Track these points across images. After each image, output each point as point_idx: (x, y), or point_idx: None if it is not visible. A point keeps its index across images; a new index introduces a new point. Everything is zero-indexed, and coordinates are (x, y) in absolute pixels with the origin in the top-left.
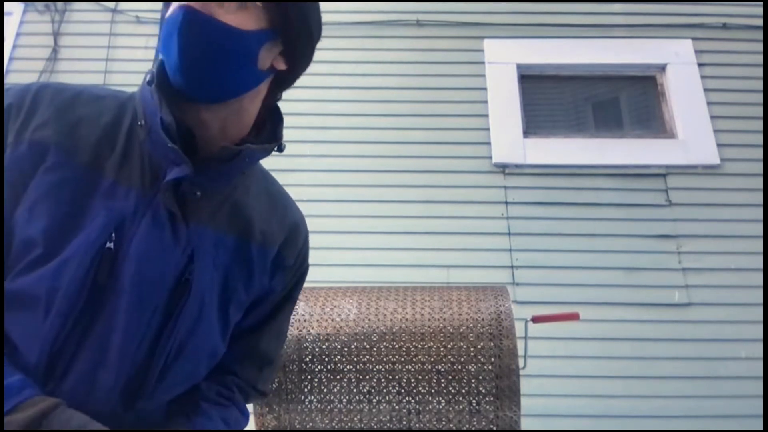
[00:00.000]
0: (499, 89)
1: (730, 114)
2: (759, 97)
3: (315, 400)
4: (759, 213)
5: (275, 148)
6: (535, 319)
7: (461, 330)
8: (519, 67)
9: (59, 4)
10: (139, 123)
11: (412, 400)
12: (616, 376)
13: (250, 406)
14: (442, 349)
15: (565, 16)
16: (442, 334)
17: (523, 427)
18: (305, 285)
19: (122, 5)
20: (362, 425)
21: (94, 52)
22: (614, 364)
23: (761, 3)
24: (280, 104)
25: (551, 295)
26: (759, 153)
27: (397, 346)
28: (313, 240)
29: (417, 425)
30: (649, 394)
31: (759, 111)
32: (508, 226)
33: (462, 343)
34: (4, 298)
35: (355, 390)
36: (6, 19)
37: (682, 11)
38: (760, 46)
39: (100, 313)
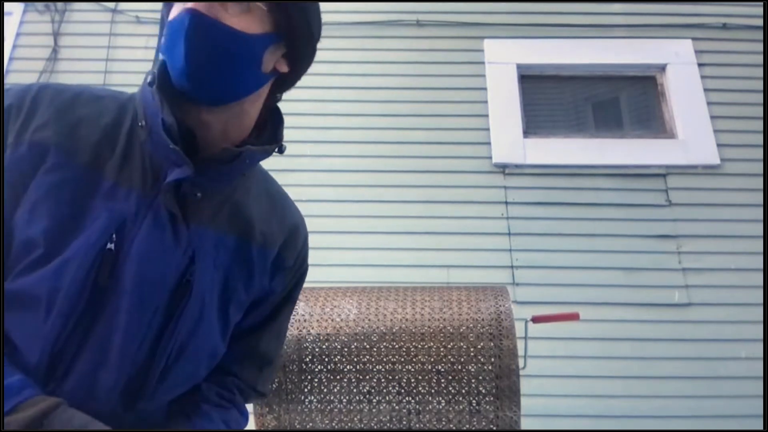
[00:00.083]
0: (499, 89)
1: (730, 114)
2: (759, 97)
3: (315, 400)
4: (759, 213)
5: (276, 150)
6: (535, 319)
7: (461, 330)
8: (519, 67)
9: (59, 4)
10: (139, 124)
11: (412, 400)
12: (616, 376)
13: (250, 407)
14: (442, 349)
15: (565, 16)
16: (442, 334)
17: (523, 427)
18: (305, 285)
19: (122, 5)
20: (362, 425)
21: (94, 52)
22: (614, 364)
23: (761, 3)
24: (281, 104)
25: (551, 295)
26: (759, 153)
27: (397, 346)
28: (313, 240)
29: (417, 425)
30: (649, 394)
31: (759, 111)
32: (508, 226)
33: (462, 343)
34: (5, 299)
35: (355, 390)
36: (6, 19)
37: (682, 11)
38: (760, 46)
39: (101, 314)
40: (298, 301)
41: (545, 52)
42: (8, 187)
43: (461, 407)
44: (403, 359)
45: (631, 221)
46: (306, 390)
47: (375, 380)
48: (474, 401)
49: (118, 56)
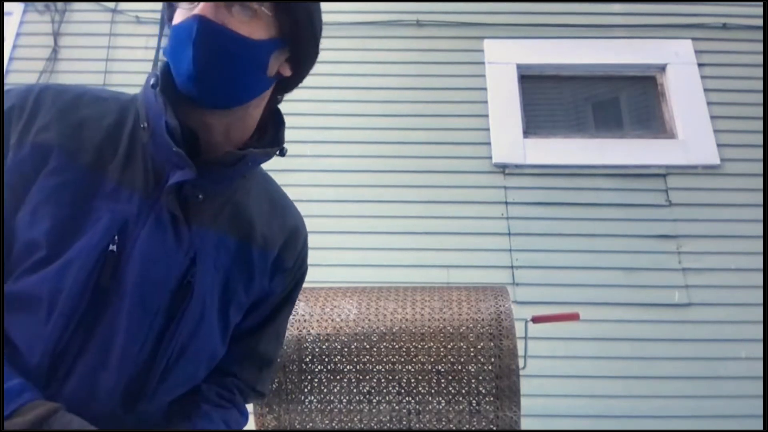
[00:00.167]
0: (499, 89)
1: (730, 114)
2: (759, 97)
3: (315, 400)
4: (759, 213)
5: (277, 153)
6: (535, 319)
7: (461, 330)
8: (519, 67)
9: (59, 4)
10: (141, 125)
11: (412, 401)
12: (616, 376)
13: (250, 407)
14: (442, 349)
15: (565, 16)
16: (442, 335)
17: (523, 427)
18: (305, 285)
19: (122, 5)
20: (362, 425)
21: (94, 52)
22: (614, 364)
23: (761, 3)
24: (281, 104)
25: (551, 295)
26: (759, 153)
27: (397, 346)
28: (314, 240)
29: (417, 425)
30: (649, 394)
31: (759, 111)
32: (508, 226)
33: (462, 344)
34: (6, 300)
35: (355, 390)
36: (6, 19)
37: (682, 11)
38: (760, 46)
39: (103, 315)
40: (298, 301)
41: (545, 52)
42: (10, 188)
43: (461, 407)
44: (403, 359)
45: (631, 221)
46: (306, 390)
47: (375, 380)
48: (474, 401)
49: (118, 56)
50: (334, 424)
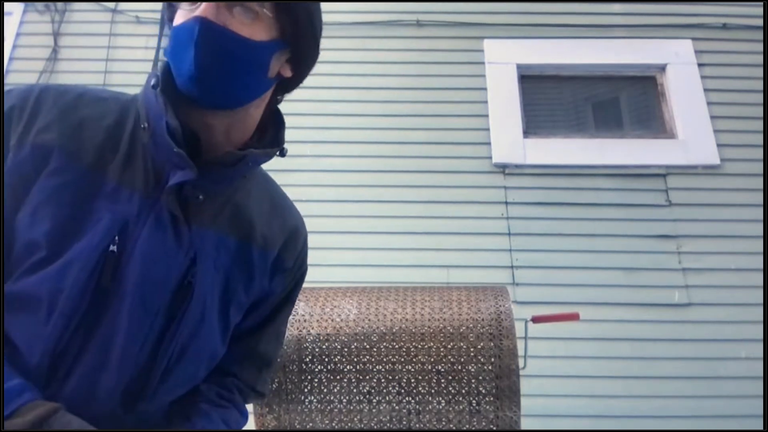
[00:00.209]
0: (499, 89)
1: (730, 114)
2: (759, 97)
3: (315, 400)
4: (759, 213)
5: (277, 153)
6: (535, 319)
7: (461, 330)
8: (519, 67)
9: (59, 4)
10: (142, 126)
11: (412, 401)
12: (616, 376)
13: (250, 407)
14: (442, 349)
15: (565, 16)
16: (442, 335)
17: (523, 427)
18: (305, 285)
19: (122, 5)
20: (362, 425)
21: (94, 52)
22: (614, 364)
23: (761, 3)
24: (281, 104)
25: (551, 295)
26: (759, 153)
27: (397, 346)
28: (314, 240)
29: (417, 425)
30: (649, 394)
31: (759, 111)
32: (508, 226)
33: (462, 344)
34: (6, 300)
35: (355, 390)
36: (6, 19)
37: (682, 11)
38: (760, 46)
39: (103, 315)
40: (298, 301)
41: (545, 52)
42: (10, 189)
43: (461, 407)
44: (403, 359)
45: (631, 221)
46: (306, 390)
47: (375, 380)
48: (474, 401)
49: (118, 56)
50: (334, 424)
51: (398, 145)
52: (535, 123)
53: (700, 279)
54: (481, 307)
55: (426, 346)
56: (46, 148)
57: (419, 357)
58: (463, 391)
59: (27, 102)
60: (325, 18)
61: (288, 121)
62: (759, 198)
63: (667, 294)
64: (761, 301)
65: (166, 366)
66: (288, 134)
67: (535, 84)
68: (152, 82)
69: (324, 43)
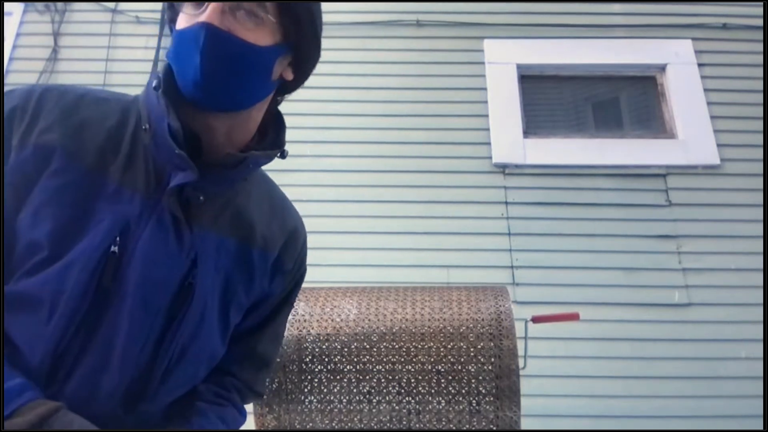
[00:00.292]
0: (499, 89)
1: (730, 114)
2: (759, 97)
3: (315, 400)
4: (759, 213)
5: (278, 155)
6: (535, 319)
7: (461, 330)
8: (519, 67)
9: (59, 4)
10: (143, 127)
11: (412, 400)
12: (616, 376)
13: (250, 407)
14: (442, 349)
15: (565, 16)
16: (442, 335)
17: (523, 427)
18: (305, 285)
19: (122, 5)
20: (362, 425)
21: (94, 52)
22: (614, 364)
23: (761, 3)
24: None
25: (551, 295)
26: (759, 153)
27: (397, 346)
28: (314, 240)
29: (417, 425)
30: (649, 394)
31: (759, 111)
32: (508, 226)
33: (462, 344)
34: (7, 300)
35: (355, 390)
36: (6, 19)
37: (682, 11)
38: (760, 46)
39: (104, 316)
40: (298, 301)
41: (545, 52)
42: (12, 189)
43: (461, 407)
44: (403, 359)
45: (631, 221)
46: (306, 390)
47: (375, 380)
48: (474, 401)
49: (118, 56)
50: (334, 424)
51: (398, 145)
52: (535, 123)
53: (700, 279)
54: (481, 307)
55: (426, 346)
56: (47, 149)
57: (419, 357)
58: (463, 391)
59: (29, 103)
60: (325, 18)
61: (288, 121)
62: (759, 198)
63: (667, 294)
64: (761, 301)
65: (166, 366)
66: (288, 134)
67: (535, 84)
68: (154, 83)
69: (324, 43)
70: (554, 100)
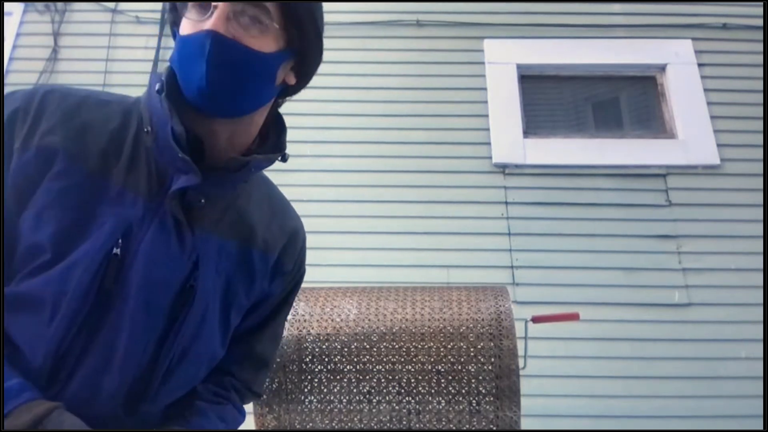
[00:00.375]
0: (499, 89)
1: (730, 114)
2: (759, 97)
3: (315, 400)
4: (759, 213)
5: (279, 158)
6: (535, 319)
7: (461, 330)
8: (519, 67)
9: (59, 4)
10: (145, 129)
11: (412, 400)
12: (616, 376)
13: (249, 407)
14: (442, 349)
15: (565, 16)
16: (442, 335)
17: (523, 427)
18: (305, 285)
19: (122, 5)
20: (362, 425)
21: (94, 52)
22: (614, 364)
23: (761, 3)
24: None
25: (551, 295)
26: (759, 153)
27: (397, 346)
28: (313, 240)
29: (417, 425)
30: (649, 394)
31: (759, 111)
32: (508, 226)
33: (462, 344)
34: (9, 301)
35: (355, 390)
36: (6, 19)
37: (682, 11)
38: (760, 46)
39: (106, 317)
40: (298, 301)
41: (545, 52)
42: (14, 191)
43: (461, 407)
44: (403, 359)
45: (631, 221)
46: (306, 390)
47: (375, 380)
48: (474, 401)
49: (118, 56)
50: (334, 424)
51: (398, 145)
52: (535, 123)
53: (700, 279)
54: (481, 307)
55: (426, 346)
56: (50, 151)
57: (419, 357)
58: (463, 391)
59: (31, 104)
60: (326, 18)
61: (288, 121)
62: (759, 198)
63: (667, 294)
64: (761, 301)
65: (167, 367)
66: (288, 134)
67: (535, 84)
68: (157, 87)
69: (324, 43)
70: (554, 100)
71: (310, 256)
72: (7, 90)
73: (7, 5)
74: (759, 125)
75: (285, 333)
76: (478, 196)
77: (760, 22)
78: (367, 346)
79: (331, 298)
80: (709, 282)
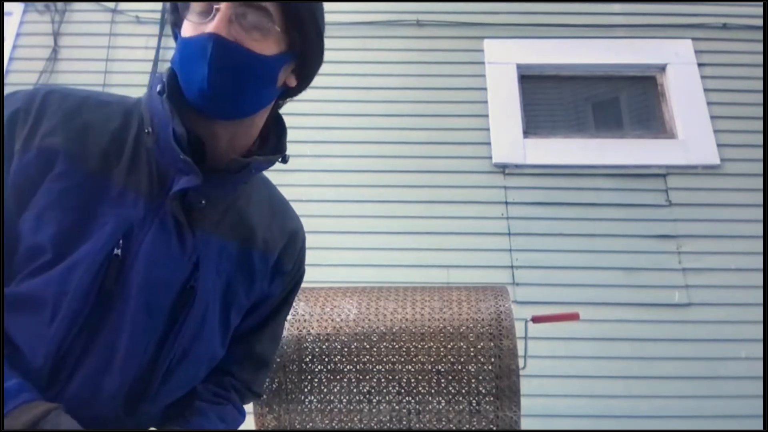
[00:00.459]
0: (499, 89)
1: (730, 114)
2: (759, 97)
3: (315, 400)
4: (759, 213)
5: (279, 159)
6: (535, 319)
7: (461, 330)
8: (519, 67)
9: (59, 4)
10: (146, 130)
11: (412, 400)
12: (616, 376)
13: (249, 407)
14: (442, 349)
15: (565, 16)
16: (442, 334)
17: (523, 427)
18: (305, 285)
19: (122, 5)
20: (362, 425)
21: (94, 52)
22: (614, 364)
23: (761, 3)
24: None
25: (551, 295)
26: (759, 153)
27: (397, 346)
28: (314, 240)
29: (417, 425)
30: (649, 394)
31: (759, 111)
32: (508, 226)
33: (462, 343)
34: (9, 302)
35: (355, 390)
36: (6, 19)
37: (682, 11)
38: (760, 46)
39: (107, 318)
40: (298, 301)
41: (545, 52)
42: (15, 191)
43: (461, 407)
44: (403, 359)
45: (631, 221)
46: (306, 390)
47: (375, 380)
48: (474, 401)
49: (118, 56)
50: (334, 424)
51: (398, 145)
52: (535, 123)
53: (700, 279)
54: (481, 307)
55: (426, 346)
56: (51, 152)
57: (419, 357)
58: (463, 391)
59: (32, 105)
60: (326, 18)
61: (288, 121)
62: (759, 198)
63: (667, 294)
64: (761, 301)
65: (167, 368)
66: (288, 134)
67: (535, 84)
68: (158, 88)
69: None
70: (554, 100)
71: (310, 256)
72: (7, 90)
73: (7, 5)
74: (759, 125)
75: (285, 333)
76: (478, 196)
77: (760, 22)
78: (367, 346)
79: (331, 298)
80: (709, 282)
